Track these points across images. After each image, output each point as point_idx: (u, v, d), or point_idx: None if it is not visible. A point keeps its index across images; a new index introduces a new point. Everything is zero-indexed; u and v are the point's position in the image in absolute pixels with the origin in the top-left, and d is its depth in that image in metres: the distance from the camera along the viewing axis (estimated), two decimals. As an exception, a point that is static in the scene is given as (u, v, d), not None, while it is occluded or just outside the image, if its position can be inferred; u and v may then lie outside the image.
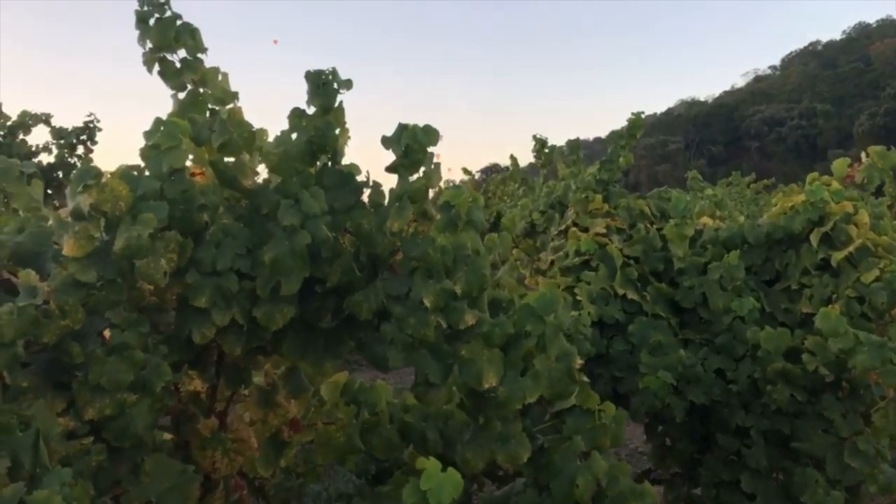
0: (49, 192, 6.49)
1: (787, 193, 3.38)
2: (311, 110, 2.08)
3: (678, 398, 2.68)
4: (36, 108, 6.11)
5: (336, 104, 2.08)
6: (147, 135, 1.81)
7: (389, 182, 2.08)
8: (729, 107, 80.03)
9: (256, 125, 2.08)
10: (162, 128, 1.80)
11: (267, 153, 2.04)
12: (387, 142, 2.02)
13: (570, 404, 1.94)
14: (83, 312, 1.67)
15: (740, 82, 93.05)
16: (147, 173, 1.80)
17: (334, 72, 2.12)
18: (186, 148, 1.92)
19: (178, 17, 2.19)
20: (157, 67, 2.14)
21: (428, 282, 1.88)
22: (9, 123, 5.96)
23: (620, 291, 3.06)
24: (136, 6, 2.16)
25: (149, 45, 2.13)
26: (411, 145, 1.97)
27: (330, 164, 2.10)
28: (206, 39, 2.21)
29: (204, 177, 2.09)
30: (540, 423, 2.05)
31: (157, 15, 2.15)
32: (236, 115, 2.15)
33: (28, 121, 6.00)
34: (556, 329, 1.93)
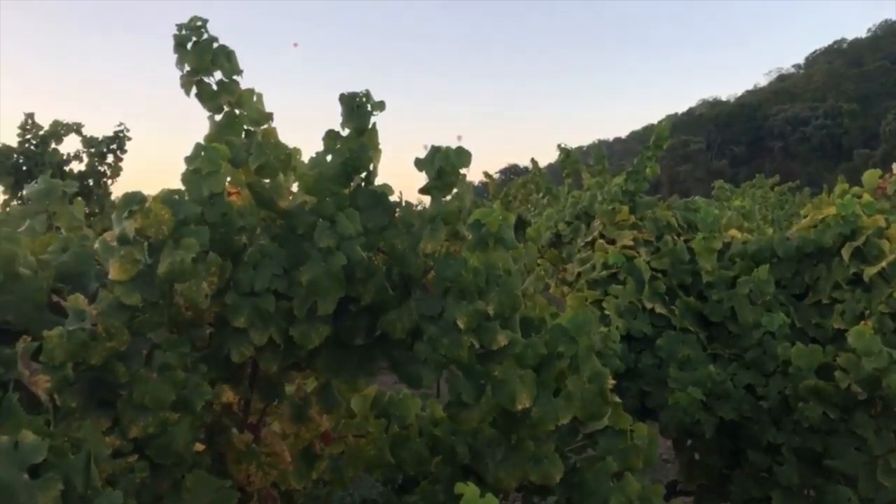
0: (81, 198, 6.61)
1: (816, 205, 3.35)
2: (345, 132, 2.11)
3: (707, 414, 2.67)
4: (67, 118, 6.25)
5: (370, 126, 2.11)
6: (188, 160, 1.86)
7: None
8: (751, 106, 79.02)
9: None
10: (202, 153, 1.85)
11: (302, 175, 2.08)
12: (420, 164, 2.05)
13: (602, 425, 1.95)
14: (128, 334, 1.71)
15: (763, 81, 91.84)
16: (188, 197, 1.85)
17: (368, 94, 2.15)
18: (225, 171, 1.96)
19: (215, 39, 2.22)
20: (194, 90, 2.18)
21: (461, 303, 1.91)
22: (41, 133, 6.10)
23: (648, 305, 3.06)
24: (174, 31, 2.20)
25: (186, 68, 2.18)
26: (444, 168, 2.00)
27: (364, 184, 2.14)
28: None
29: (240, 196, 2.14)
30: (571, 442, 2.06)
31: (194, 38, 2.19)
32: (271, 135, 2.19)
33: (60, 130, 6.14)
34: (588, 350, 1.95)
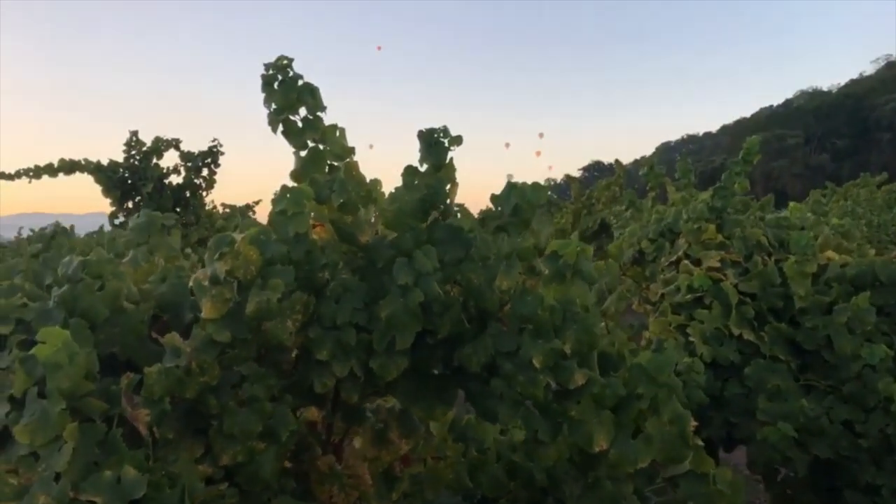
0: (178, 210, 7.05)
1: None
2: (423, 167, 2.16)
3: (800, 451, 2.54)
4: (167, 135, 6.65)
5: (447, 161, 2.14)
6: (275, 201, 1.94)
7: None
8: (856, 96, 73.82)
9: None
10: (288, 195, 1.93)
11: (383, 210, 2.14)
12: (496, 200, 2.06)
13: (684, 469, 1.90)
14: (219, 369, 1.81)
15: (870, 69, 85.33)
16: (274, 237, 1.93)
17: (445, 130, 2.18)
18: (309, 209, 2.05)
19: (300, 77, 2.31)
20: (280, 128, 2.28)
21: (537, 341, 1.90)
22: (144, 149, 6.52)
23: (736, 331, 2.93)
24: (262, 71, 2.31)
25: (273, 106, 2.27)
26: (520, 204, 2.00)
27: (441, 218, 2.17)
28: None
29: (324, 229, 2.22)
30: (651, 483, 2.02)
31: (280, 77, 2.28)
32: (353, 168, 2.26)
33: (161, 146, 6.54)
34: (669, 391, 1.90)
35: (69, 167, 6.29)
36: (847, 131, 69.67)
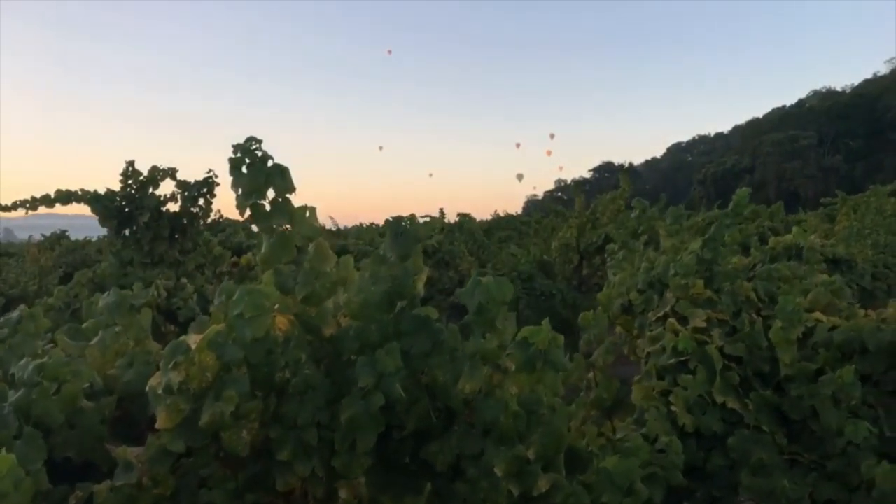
0: (176, 236, 7.04)
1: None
2: (390, 256, 2.12)
3: (782, 534, 2.48)
4: (164, 164, 6.64)
5: (413, 251, 2.11)
6: (233, 304, 1.91)
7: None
8: (870, 97, 72.86)
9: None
10: (246, 297, 1.89)
11: (348, 302, 2.11)
12: (462, 296, 2.02)
13: (649, 582, 1.85)
14: (174, 479, 1.79)
15: (884, 69, 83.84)
16: (233, 338, 1.90)
17: (412, 218, 2.15)
18: (272, 301, 2.02)
19: (269, 157, 2.27)
20: (248, 212, 2.24)
21: (500, 448, 1.86)
22: (140, 178, 6.52)
23: (720, 399, 2.87)
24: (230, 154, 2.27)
25: (240, 190, 2.24)
26: (484, 304, 1.96)
27: (408, 308, 2.13)
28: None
29: (288, 319, 2.18)
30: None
31: (248, 160, 2.25)
32: (321, 250, 2.22)
33: (157, 175, 6.54)
34: (635, 500, 1.85)
35: (66, 197, 6.31)
36: (861, 132, 68.90)
